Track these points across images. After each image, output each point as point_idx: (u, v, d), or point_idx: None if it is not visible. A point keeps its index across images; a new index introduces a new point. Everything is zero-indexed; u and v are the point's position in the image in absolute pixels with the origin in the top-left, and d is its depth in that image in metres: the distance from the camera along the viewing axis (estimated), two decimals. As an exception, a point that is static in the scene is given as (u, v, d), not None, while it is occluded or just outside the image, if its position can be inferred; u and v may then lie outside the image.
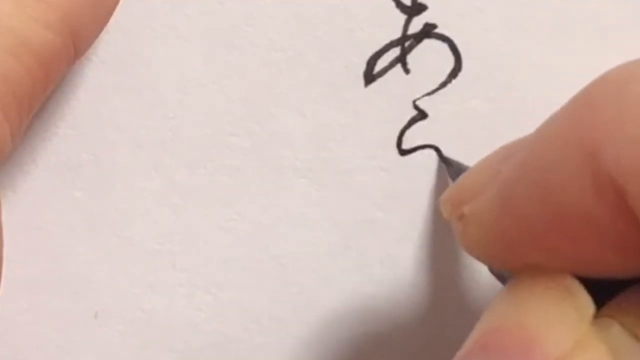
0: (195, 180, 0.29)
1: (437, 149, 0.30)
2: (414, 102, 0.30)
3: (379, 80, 0.30)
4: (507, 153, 0.23)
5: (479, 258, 0.23)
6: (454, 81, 0.30)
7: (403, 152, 0.30)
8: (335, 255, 0.30)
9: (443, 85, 0.30)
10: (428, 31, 0.30)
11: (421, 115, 0.30)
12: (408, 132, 0.30)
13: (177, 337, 0.29)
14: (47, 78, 0.25)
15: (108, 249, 0.29)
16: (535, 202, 0.21)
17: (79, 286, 0.29)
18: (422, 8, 0.30)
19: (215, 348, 0.29)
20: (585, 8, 0.30)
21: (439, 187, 0.30)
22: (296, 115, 0.29)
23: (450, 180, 0.29)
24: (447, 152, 0.30)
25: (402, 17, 0.30)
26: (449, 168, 0.29)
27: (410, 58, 0.30)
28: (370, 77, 0.30)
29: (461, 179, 0.25)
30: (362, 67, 0.30)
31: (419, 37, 0.30)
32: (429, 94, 0.30)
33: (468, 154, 0.30)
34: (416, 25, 0.30)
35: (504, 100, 0.30)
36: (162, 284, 0.29)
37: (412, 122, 0.30)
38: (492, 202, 0.22)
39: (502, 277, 0.25)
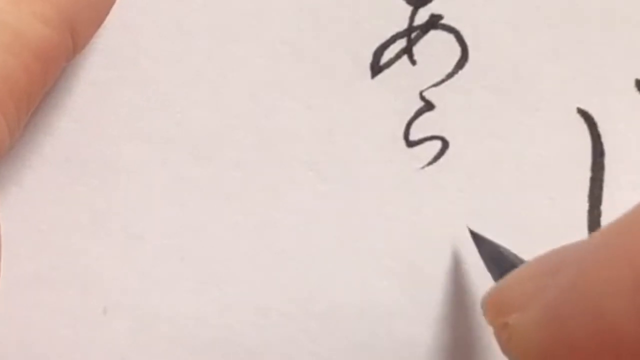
0: (201, 175, 0.29)
1: (472, 232, 0.29)
2: (420, 93, 0.30)
3: (386, 72, 0.30)
4: (555, 264, 0.23)
5: None
6: (460, 72, 0.30)
7: (410, 144, 0.30)
8: (343, 249, 0.30)
9: (450, 76, 0.30)
10: (434, 22, 0.30)
11: (428, 106, 0.30)
12: (415, 124, 0.30)
13: (185, 332, 0.29)
14: (45, 74, 0.25)
15: (115, 245, 0.29)
16: (584, 325, 0.21)
17: (87, 282, 0.29)
18: (428, -1, 0.30)
19: (223, 343, 0.29)
20: (592, -2, 0.30)
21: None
22: (303, 108, 0.29)
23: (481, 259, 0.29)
24: (454, 143, 0.30)
25: (408, 9, 0.30)
26: (479, 245, 0.29)
27: (417, 49, 0.30)
28: (376, 69, 0.30)
29: (504, 284, 0.25)
30: (369, 59, 0.30)
31: (425, 28, 0.30)
32: (435, 85, 0.30)
33: (475, 145, 0.30)
34: (422, 16, 0.30)
35: (510, 91, 0.30)
36: (169, 279, 0.29)
37: (419, 113, 0.30)
38: (539, 317, 0.22)
39: None
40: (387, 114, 0.30)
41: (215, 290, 0.29)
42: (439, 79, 0.30)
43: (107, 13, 0.27)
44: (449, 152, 0.30)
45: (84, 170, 0.29)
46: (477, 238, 0.29)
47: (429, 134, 0.30)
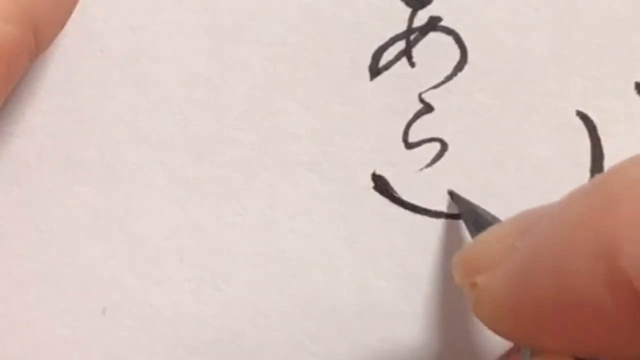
0: (201, 175, 0.29)
1: (450, 193, 0.30)
2: (419, 95, 0.30)
3: (385, 74, 0.30)
4: (524, 226, 0.23)
5: (489, 327, 0.24)
6: (459, 74, 0.30)
7: (409, 146, 0.30)
8: (342, 250, 0.30)
9: (449, 78, 0.30)
10: (433, 24, 0.30)
11: (427, 108, 0.30)
12: (414, 126, 0.30)
13: (184, 332, 0.29)
14: (7, 72, 0.25)
15: (115, 245, 0.29)
16: (548, 287, 0.21)
17: (87, 282, 0.29)
18: (427, 1, 0.30)
19: (223, 343, 0.29)
20: (591, 0, 0.30)
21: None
22: (302, 110, 0.29)
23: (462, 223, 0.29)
24: (453, 145, 0.30)
25: (407, 11, 0.30)
26: (460, 207, 0.29)
27: (416, 51, 0.30)
28: (375, 70, 0.30)
29: (475, 245, 0.25)
30: (368, 60, 0.30)
31: (424, 30, 0.30)
32: (434, 87, 0.30)
33: (474, 147, 0.30)
34: (421, 18, 0.30)
35: (509, 93, 0.30)
36: (169, 279, 0.29)
37: (417, 115, 0.30)
38: (506, 279, 0.23)
39: None
40: (386, 116, 0.30)
41: (214, 291, 0.29)
42: (438, 81, 0.30)
43: (70, 11, 0.27)
44: (447, 154, 0.30)
45: (84, 170, 0.29)
46: (455, 198, 0.29)
47: (428, 135, 0.30)
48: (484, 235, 0.25)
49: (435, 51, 0.30)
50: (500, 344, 0.28)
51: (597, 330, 0.21)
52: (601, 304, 0.20)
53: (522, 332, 0.23)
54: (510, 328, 0.23)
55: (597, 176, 0.22)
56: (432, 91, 0.30)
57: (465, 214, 0.29)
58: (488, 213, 0.28)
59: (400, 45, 0.30)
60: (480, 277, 0.23)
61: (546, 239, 0.22)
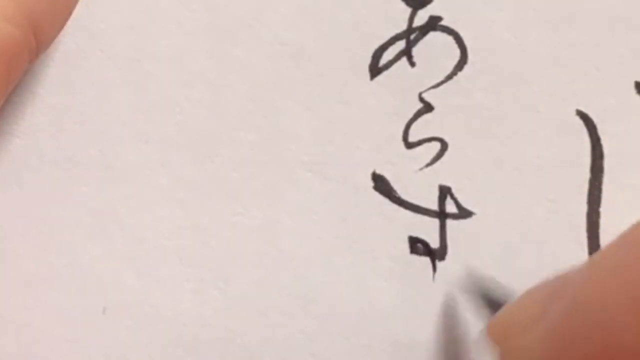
0: (201, 175, 0.29)
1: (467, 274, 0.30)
2: (419, 95, 0.30)
3: (385, 74, 0.30)
4: (553, 290, 0.23)
5: None
6: (459, 74, 0.30)
7: (409, 145, 0.30)
8: (342, 250, 0.30)
9: (449, 78, 0.30)
10: (433, 24, 0.30)
11: (427, 108, 0.30)
12: (414, 125, 0.30)
13: (184, 332, 0.29)
14: (7, 72, 0.25)
15: (115, 245, 0.29)
16: (586, 339, 0.21)
17: (86, 282, 0.29)
18: (427, 1, 0.30)
19: (223, 343, 0.29)
20: (591, 0, 0.30)
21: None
22: (302, 109, 0.29)
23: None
24: (453, 145, 0.30)
25: (407, 10, 0.30)
26: (474, 284, 0.29)
27: (416, 51, 0.30)
28: (375, 70, 0.30)
29: (506, 311, 0.25)
30: (368, 60, 0.30)
31: (425, 29, 0.30)
32: (434, 86, 0.30)
33: (474, 147, 0.30)
34: (421, 17, 0.30)
35: (509, 93, 0.30)
36: (169, 279, 0.29)
37: (418, 115, 0.30)
38: (544, 337, 0.23)
39: None
40: (386, 115, 0.30)
41: (214, 291, 0.29)
42: (438, 80, 0.30)
43: (70, 11, 0.27)
44: (447, 154, 0.30)
45: (84, 170, 0.29)
46: (469, 276, 0.29)
47: (428, 135, 0.30)
48: (514, 303, 0.25)
49: (435, 51, 0.30)
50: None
51: None
52: None
53: None
54: None
55: (625, 232, 0.22)
56: (432, 91, 0.30)
57: (479, 292, 0.29)
58: (502, 286, 0.28)
59: (400, 45, 0.30)
60: (514, 341, 0.24)
61: (580, 294, 0.22)
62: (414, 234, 0.30)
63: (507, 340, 0.24)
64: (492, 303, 0.28)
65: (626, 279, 0.21)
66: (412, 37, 0.30)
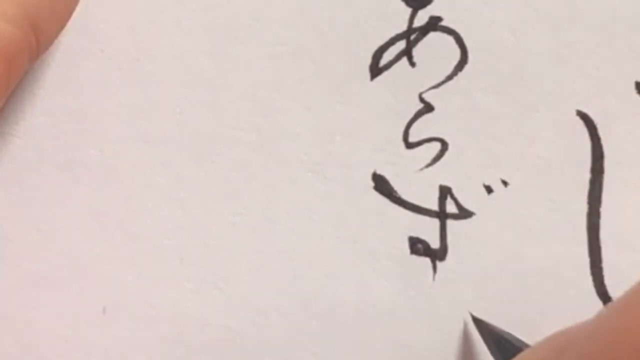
0: (201, 175, 0.29)
1: (473, 318, 0.30)
2: (420, 95, 0.30)
3: (385, 74, 0.30)
4: (559, 346, 0.23)
5: None
6: (460, 74, 0.30)
7: (410, 145, 0.30)
8: (342, 249, 0.30)
9: (449, 78, 0.30)
10: (434, 24, 0.30)
11: (427, 108, 0.30)
12: (414, 126, 0.30)
13: (185, 332, 0.29)
14: (8, 72, 0.25)
15: (115, 245, 0.29)
16: None
17: (87, 282, 0.29)
18: (427, 1, 0.30)
19: (223, 342, 0.29)
20: (591, 0, 0.30)
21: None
22: (302, 109, 0.29)
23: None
24: (453, 145, 0.30)
25: (408, 10, 0.30)
26: (480, 328, 0.29)
27: (416, 51, 0.30)
28: (376, 70, 0.30)
29: None
30: (368, 60, 0.30)
31: (425, 30, 0.30)
32: (435, 87, 0.30)
33: (474, 147, 0.30)
34: (421, 18, 0.30)
35: (510, 93, 0.30)
36: (169, 279, 0.29)
37: (418, 115, 0.30)
38: None
39: None
40: (387, 116, 0.30)
41: (214, 290, 0.29)
42: (438, 80, 0.30)
43: (71, 12, 0.27)
44: (448, 154, 0.30)
45: (84, 170, 0.29)
46: (477, 322, 0.29)
47: (428, 135, 0.30)
48: (518, 357, 0.25)
49: (435, 51, 0.30)
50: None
51: None
52: None
53: None
54: None
55: (631, 289, 0.22)
56: (432, 91, 0.30)
57: (487, 338, 0.29)
58: (511, 335, 0.28)
59: (401, 45, 0.30)
60: None
61: (590, 352, 0.22)
62: (414, 234, 0.30)
63: None
64: (502, 351, 0.28)
65: (627, 345, 0.21)
66: (412, 37, 0.30)
